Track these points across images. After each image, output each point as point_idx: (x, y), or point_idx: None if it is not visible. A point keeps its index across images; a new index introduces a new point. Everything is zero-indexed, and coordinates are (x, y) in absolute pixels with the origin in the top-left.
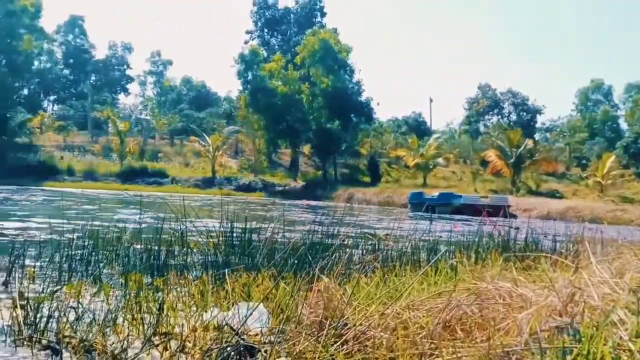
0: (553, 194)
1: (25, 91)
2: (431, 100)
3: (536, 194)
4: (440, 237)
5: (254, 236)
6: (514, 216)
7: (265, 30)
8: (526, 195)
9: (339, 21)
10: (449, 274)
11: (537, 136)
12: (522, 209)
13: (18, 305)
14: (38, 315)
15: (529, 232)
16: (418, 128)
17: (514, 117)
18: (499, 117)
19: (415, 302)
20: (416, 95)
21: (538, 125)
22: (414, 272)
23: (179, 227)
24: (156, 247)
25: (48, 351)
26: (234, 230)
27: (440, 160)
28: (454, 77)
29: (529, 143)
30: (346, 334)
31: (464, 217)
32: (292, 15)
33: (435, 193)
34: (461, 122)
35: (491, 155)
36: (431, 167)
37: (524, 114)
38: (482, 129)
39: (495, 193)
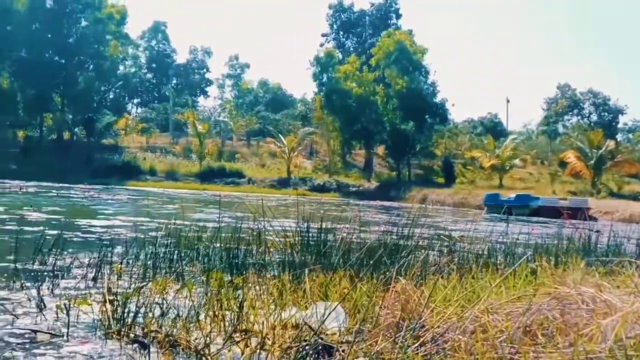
0: (635, 197)
1: (111, 94)
2: (508, 101)
3: (618, 197)
4: (517, 239)
5: (329, 236)
6: (594, 219)
7: (341, 32)
8: (607, 198)
9: (414, 22)
10: (528, 278)
11: (619, 137)
12: (603, 212)
13: (107, 300)
14: (125, 310)
15: (610, 235)
16: (494, 129)
17: (594, 117)
18: (579, 117)
19: (494, 306)
20: (492, 96)
21: (620, 125)
22: (491, 274)
23: (256, 227)
24: (235, 246)
25: (136, 345)
26: (310, 230)
27: (516, 161)
28: (531, 78)
29: (610, 144)
30: (423, 335)
31: (542, 219)
32: (367, 17)
33: (512, 195)
34: (539, 123)
35: (570, 156)
36: (507, 168)
37: (605, 114)
38: (560, 129)
39: (574, 195)
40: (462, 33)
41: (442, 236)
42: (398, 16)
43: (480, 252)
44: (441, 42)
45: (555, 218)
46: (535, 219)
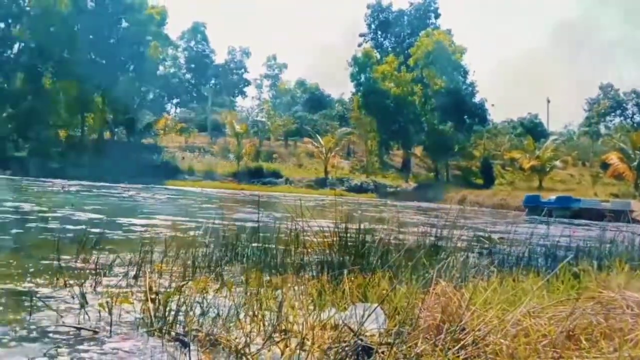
0: None
1: (151, 95)
2: (549, 101)
3: None
4: (558, 242)
5: (368, 237)
6: (637, 221)
7: (379, 32)
8: None
9: (453, 21)
10: (571, 282)
11: None
12: None
13: (149, 299)
14: (167, 309)
15: None
16: (534, 129)
17: (638, 118)
18: (622, 118)
19: (536, 309)
20: (533, 96)
21: None
22: (532, 277)
23: (294, 227)
24: (273, 246)
25: (177, 343)
26: (348, 231)
27: (557, 162)
28: (573, 78)
29: None
30: (464, 338)
31: (583, 221)
32: (405, 17)
33: (553, 196)
34: (580, 124)
35: (612, 157)
36: (548, 169)
37: None
38: (603, 130)
39: (617, 197)
40: (502, 32)
41: (481, 238)
42: (437, 16)
43: (520, 254)
44: (480, 41)
45: (597, 220)
46: (576, 221)
